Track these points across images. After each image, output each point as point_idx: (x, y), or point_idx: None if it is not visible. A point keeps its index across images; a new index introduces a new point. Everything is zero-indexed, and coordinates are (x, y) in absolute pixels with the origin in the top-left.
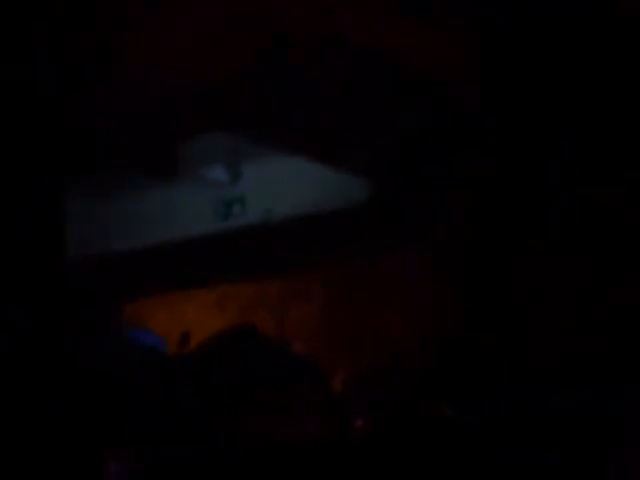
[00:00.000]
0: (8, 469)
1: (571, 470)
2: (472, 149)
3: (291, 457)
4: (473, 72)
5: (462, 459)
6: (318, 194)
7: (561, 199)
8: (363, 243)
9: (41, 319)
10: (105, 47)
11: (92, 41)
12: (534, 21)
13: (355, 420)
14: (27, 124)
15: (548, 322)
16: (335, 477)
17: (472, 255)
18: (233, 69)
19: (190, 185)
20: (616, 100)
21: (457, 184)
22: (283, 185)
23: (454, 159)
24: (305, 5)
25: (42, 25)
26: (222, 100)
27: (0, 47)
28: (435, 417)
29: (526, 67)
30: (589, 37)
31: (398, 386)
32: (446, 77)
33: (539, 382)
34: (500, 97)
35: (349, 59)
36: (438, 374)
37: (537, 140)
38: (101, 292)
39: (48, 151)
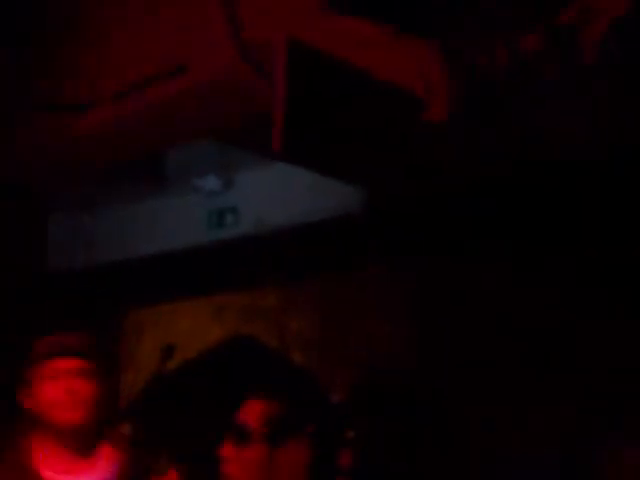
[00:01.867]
0: None
1: None
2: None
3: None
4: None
5: None
6: (311, 202)
7: None
8: (358, 252)
9: None
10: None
11: None
12: None
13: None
14: None
15: None
16: None
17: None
18: None
19: (182, 195)
20: None
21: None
22: (275, 193)
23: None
24: None
25: None
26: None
27: None
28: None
29: None
30: None
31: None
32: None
33: None
34: None
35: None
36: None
37: None
38: (98, 304)
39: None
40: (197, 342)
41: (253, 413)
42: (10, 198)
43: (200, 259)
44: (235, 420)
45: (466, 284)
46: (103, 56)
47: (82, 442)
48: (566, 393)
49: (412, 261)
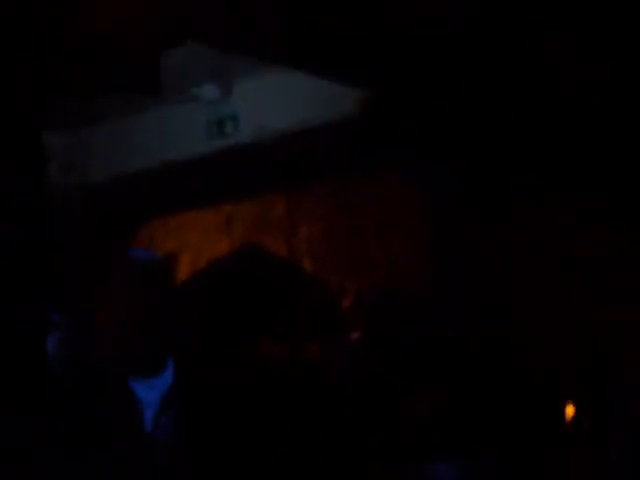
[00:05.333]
0: None
1: None
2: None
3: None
4: None
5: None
6: (312, 108)
7: None
8: (362, 155)
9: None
10: None
11: None
12: None
13: (352, 333)
14: None
15: None
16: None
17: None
18: None
19: (180, 104)
20: None
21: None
22: (275, 100)
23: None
24: None
25: None
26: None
27: None
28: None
29: None
30: None
31: (398, 307)
32: None
33: None
34: None
35: None
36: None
37: None
38: (103, 220)
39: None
40: (206, 253)
41: None
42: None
43: (202, 169)
44: None
45: (483, 196)
46: None
47: None
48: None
49: (420, 165)
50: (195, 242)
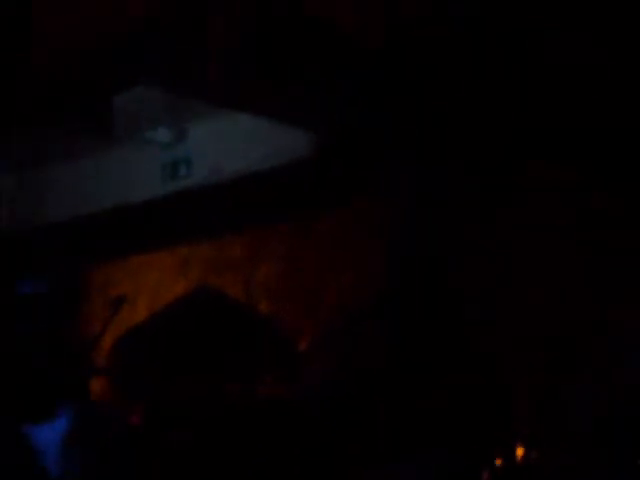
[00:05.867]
0: None
1: None
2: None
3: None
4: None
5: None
6: (266, 150)
7: None
8: (316, 196)
9: None
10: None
11: None
12: None
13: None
14: None
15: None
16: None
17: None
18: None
19: (133, 148)
20: None
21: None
22: (228, 143)
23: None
24: None
25: None
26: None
27: None
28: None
29: None
30: None
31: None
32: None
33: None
34: None
35: None
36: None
37: None
38: (58, 262)
39: None
40: (163, 296)
41: None
42: None
43: (157, 212)
44: None
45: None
46: None
47: None
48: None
49: (372, 201)
50: (153, 284)
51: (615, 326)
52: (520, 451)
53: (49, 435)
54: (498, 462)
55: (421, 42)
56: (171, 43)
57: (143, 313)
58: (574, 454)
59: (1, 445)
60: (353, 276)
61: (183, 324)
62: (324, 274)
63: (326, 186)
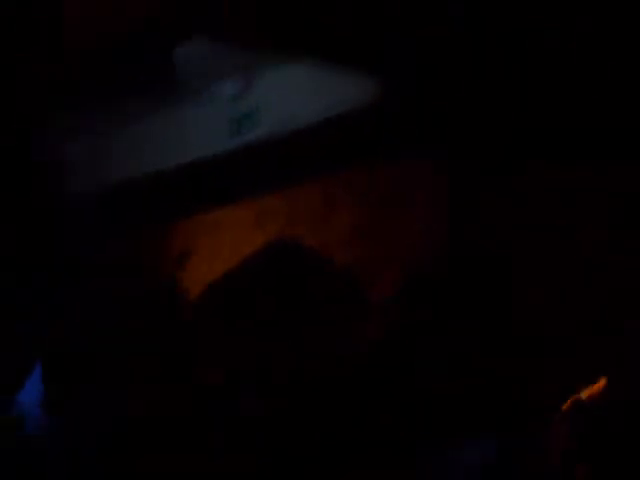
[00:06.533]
0: None
1: None
2: None
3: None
4: None
5: None
6: (333, 97)
7: None
8: (386, 145)
9: None
10: None
11: None
12: None
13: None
14: None
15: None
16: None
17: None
18: None
19: (201, 103)
20: None
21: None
22: (296, 92)
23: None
24: None
25: None
26: None
27: None
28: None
29: None
30: None
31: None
32: None
33: None
34: None
35: None
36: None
37: None
38: (130, 222)
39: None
40: (242, 250)
41: None
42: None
43: (226, 167)
44: None
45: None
46: None
47: None
48: None
49: (448, 147)
50: (230, 239)
51: None
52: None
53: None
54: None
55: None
56: None
57: (222, 269)
58: None
59: None
60: (425, 230)
61: (261, 279)
62: (398, 224)
63: (396, 133)
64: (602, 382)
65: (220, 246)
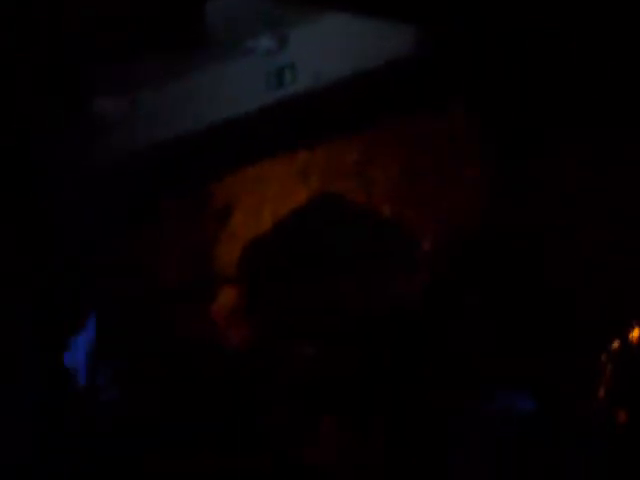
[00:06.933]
0: None
1: None
2: None
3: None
4: None
5: None
6: (370, 49)
7: None
8: (427, 93)
9: None
10: None
11: None
12: None
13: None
14: None
15: None
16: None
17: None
18: None
19: (235, 58)
20: None
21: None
22: (332, 45)
23: None
24: None
25: None
26: None
27: None
28: None
29: None
30: None
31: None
32: None
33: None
34: None
35: None
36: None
37: None
38: (176, 178)
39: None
40: (286, 205)
41: None
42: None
43: (266, 121)
44: None
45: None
46: None
47: None
48: None
49: (491, 100)
50: (273, 194)
51: None
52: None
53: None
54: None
55: None
56: None
57: (267, 224)
58: None
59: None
60: (470, 187)
61: (306, 233)
62: (443, 177)
63: (436, 86)
64: None
65: (263, 201)
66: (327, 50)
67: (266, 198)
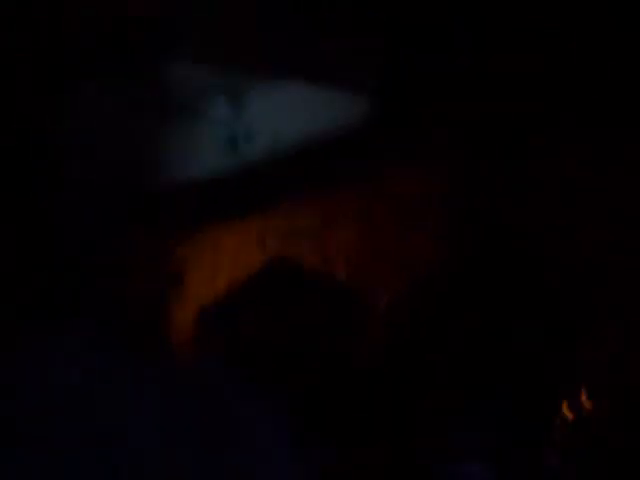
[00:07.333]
0: None
1: None
2: None
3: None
4: None
5: None
6: (327, 117)
7: None
8: (382, 157)
9: None
10: None
11: None
12: None
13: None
14: None
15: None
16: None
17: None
18: None
19: (192, 122)
20: None
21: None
22: (289, 112)
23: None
24: None
25: None
26: None
27: None
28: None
29: None
30: None
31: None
32: None
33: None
34: None
35: None
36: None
37: None
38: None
39: None
40: (242, 268)
41: None
42: None
43: (223, 186)
44: None
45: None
46: None
47: None
48: None
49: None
50: (230, 258)
51: None
52: (588, 403)
53: None
54: (567, 414)
55: None
56: None
57: (222, 288)
58: None
59: None
60: (429, 236)
61: (261, 298)
62: (400, 235)
63: (392, 145)
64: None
65: (220, 266)
66: (283, 115)
67: (221, 263)
